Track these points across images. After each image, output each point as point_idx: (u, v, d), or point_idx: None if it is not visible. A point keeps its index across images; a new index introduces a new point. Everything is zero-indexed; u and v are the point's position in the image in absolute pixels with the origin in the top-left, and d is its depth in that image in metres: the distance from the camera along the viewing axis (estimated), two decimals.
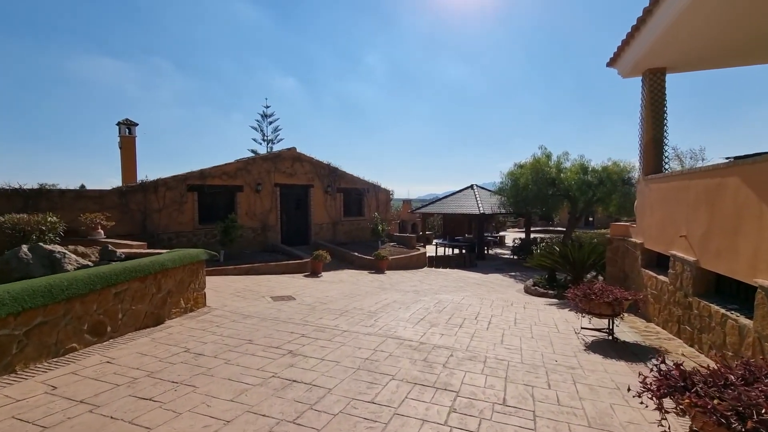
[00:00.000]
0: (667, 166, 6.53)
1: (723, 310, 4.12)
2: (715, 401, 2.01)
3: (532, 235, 20.24)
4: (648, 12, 5.32)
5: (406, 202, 28.77)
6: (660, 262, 6.41)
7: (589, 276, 9.49)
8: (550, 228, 31.95)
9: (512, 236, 25.63)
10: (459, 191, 21.28)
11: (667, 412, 2.30)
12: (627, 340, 5.19)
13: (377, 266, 12.62)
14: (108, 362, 3.66)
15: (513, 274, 14.10)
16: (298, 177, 14.88)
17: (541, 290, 9.18)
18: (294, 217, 15.06)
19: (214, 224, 11.70)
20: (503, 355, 4.37)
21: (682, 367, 2.41)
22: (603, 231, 21.73)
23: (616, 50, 6.69)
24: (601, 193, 14.81)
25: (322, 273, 11.09)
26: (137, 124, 14.32)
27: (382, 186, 18.18)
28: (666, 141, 6.51)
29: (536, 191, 15.44)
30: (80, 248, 6.22)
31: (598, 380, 3.73)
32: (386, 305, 6.88)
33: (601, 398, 3.33)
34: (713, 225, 4.47)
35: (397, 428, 2.68)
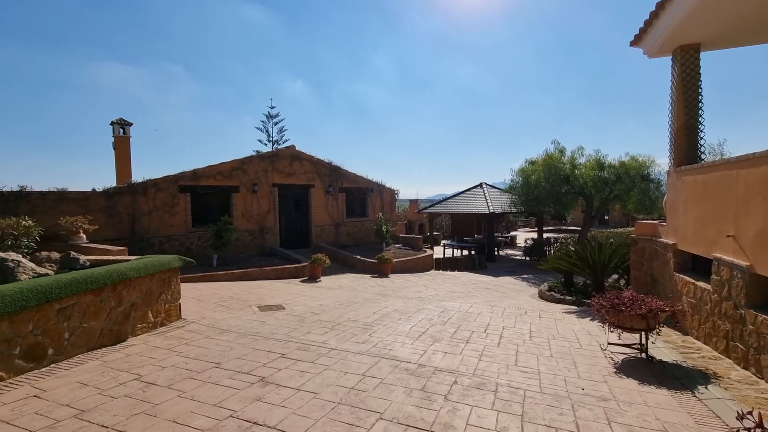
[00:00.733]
0: (703, 156, 5.71)
1: None
2: None
3: (545, 235, 19.33)
4: None
5: (414, 202, 27.98)
6: (697, 265, 5.60)
7: (610, 280, 8.66)
8: (563, 227, 30.90)
9: (524, 236, 24.73)
10: (467, 190, 20.44)
11: None
12: (664, 358, 4.41)
13: (380, 270, 11.91)
14: (36, 396, 3.02)
15: (525, 276, 13.28)
16: (297, 176, 14.24)
17: (558, 296, 8.38)
18: (294, 218, 14.42)
19: (208, 227, 11.11)
20: (518, 382, 3.63)
21: None
22: (619, 230, 20.75)
23: (642, 26, 5.90)
24: (618, 190, 13.91)
25: (321, 278, 10.42)
26: (131, 124, 13.83)
27: (387, 185, 17.45)
28: (701, 128, 5.70)
29: (549, 189, 14.59)
30: (54, 254, 5.65)
31: (638, 419, 2.97)
32: (385, 315, 6.18)
33: None
34: None
35: None
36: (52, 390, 3.13)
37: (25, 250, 6.92)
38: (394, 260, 12.55)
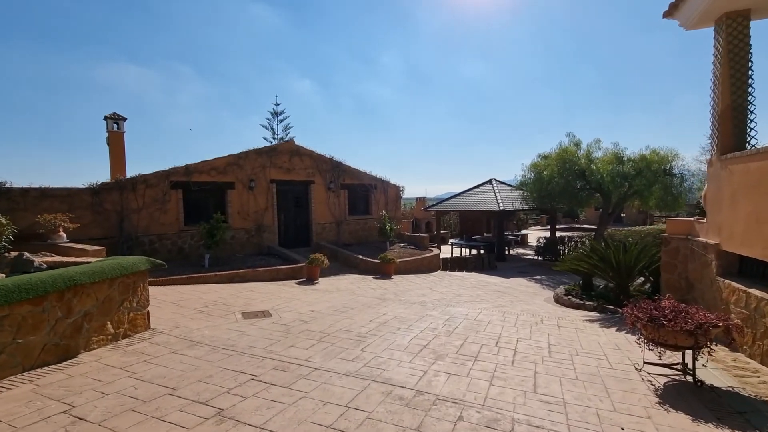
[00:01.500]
0: (754, 141, 4.89)
1: None
2: None
3: (558, 234, 18.43)
4: None
5: (420, 199, 27.18)
6: (744, 269, 4.81)
7: (636, 283, 7.85)
8: (576, 225, 29.87)
9: (535, 235, 23.79)
10: (477, 186, 19.60)
11: None
12: (715, 383, 3.64)
13: (383, 270, 11.22)
14: None
15: (538, 278, 12.47)
16: (297, 172, 13.59)
17: (577, 301, 7.59)
18: (293, 216, 13.78)
19: (201, 225, 10.51)
20: (539, 418, 2.91)
21: None
22: (637, 228, 19.72)
23: None
24: (639, 186, 12.98)
25: (319, 279, 9.76)
26: (125, 119, 13.30)
27: (392, 181, 16.72)
28: (752, 108, 4.88)
29: (563, 184, 13.73)
30: (9, 256, 5.09)
31: None
32: (382, 324, 5.48)
33: None
34: None
35: None
36: None
37: None
38: (399, 260, 11.85)
